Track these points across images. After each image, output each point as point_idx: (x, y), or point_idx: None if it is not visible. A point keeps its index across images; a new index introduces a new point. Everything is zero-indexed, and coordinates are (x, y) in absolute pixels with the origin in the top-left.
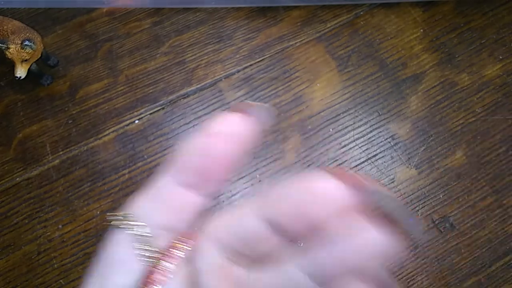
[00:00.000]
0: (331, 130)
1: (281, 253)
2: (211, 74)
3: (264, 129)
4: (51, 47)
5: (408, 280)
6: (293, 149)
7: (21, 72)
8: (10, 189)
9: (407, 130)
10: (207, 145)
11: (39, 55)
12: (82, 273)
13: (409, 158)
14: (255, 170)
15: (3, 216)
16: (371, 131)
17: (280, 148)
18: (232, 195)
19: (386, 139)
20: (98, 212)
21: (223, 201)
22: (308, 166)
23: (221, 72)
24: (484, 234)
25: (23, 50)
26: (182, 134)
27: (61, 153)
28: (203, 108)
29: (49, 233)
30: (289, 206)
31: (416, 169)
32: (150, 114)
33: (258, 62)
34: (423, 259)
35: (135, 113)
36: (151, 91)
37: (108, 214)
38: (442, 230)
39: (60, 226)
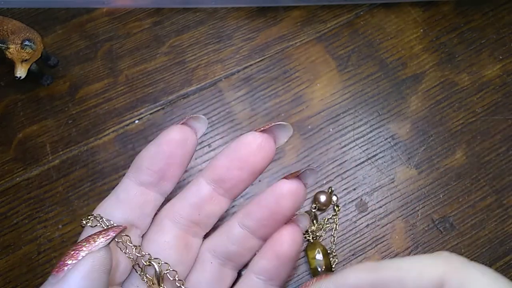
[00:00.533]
0: (331, 130)
1: (222, 208)
2: (211, 74)
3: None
4: (51, 47)
5: None
6: (293, 149)
7: (21, 72)
8: (10, 189)
9: (407, 130)
10: (162, 150)
11: (39, 55)
12: None
13: (409, 158)
14: None
15: (3, 216)
16: (371, 131)
17: (280, 148)
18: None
19: (386, 139)
20: None
21: None
22: (308, 166)
23: (221, 72)
24: (484, 234)
25: (23, 50)
26: None
27: (61, 153)
28: (203, 108)
29: (49, 233)
30: (227, 161)
31: (416, 169)
32: (150, 114)
33: (258, 62)
34: None
35: (135, 113)
36: (151, 91)
37: (81, 218)
38: (442, 230)
39: (60, 226)
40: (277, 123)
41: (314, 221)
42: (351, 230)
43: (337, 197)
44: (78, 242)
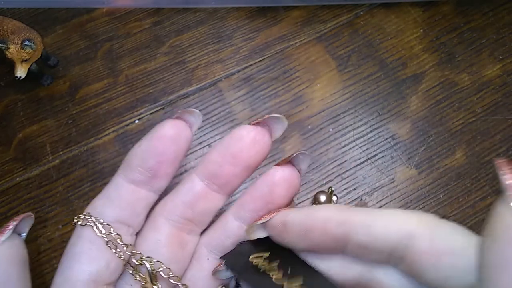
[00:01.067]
0: (331, 130)
1: (217, 205)
2: (211, 74)
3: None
4: (51, 47)
5: None
6: (293, 149)
7: (21, 72)
8: (10, 189)
9: (407, 130)
10: (153, 147)
11: (39, 55)
12: None
13: (409, 158)
14: None
15: (3, 216)
16: (371, 131)
17: (280, 148)
18: (233, 195)
19: (386, 139)
20: None
21: None
22: (308, 166)
23: (221, 72)
24: None
25: (23, 50)
26: None
27: (61, 153)
28: (203, 108)
29: (49, 233)
30: (219, 156)
31: (416, 169)
32: (150, 114)
33: (258, 62)
34: None
35: (135, 113)
36: (151, 91)
37: (73, 217)
38: None
39: (60, 226)
40: (271, 116)
41: None
42: None
43: (337, 197)
44: None
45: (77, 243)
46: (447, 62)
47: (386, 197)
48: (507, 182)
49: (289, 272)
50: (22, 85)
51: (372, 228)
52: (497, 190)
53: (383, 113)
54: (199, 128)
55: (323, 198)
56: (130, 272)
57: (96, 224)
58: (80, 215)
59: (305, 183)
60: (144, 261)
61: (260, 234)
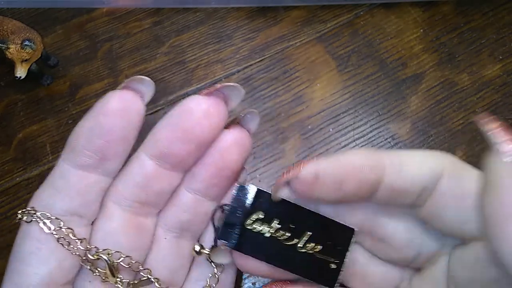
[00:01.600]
0: (331, 130)
1: (173, 184)
2: (211, 74)
3: (146, 103)
4: (51, 47)
5: None
6: (293, 149)
7: (21, 72)
8: (10, 189)
9: (407, 130)
10: (98, 125)
11: (39, 55)
12: None
13: None
14: (255, 170)
15: (3, 216)
16: (371, 131)
17: (280, 148)
18: None
19: (386, 139)
20: None
21: None
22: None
23: (221, 72)
24: None
25: (23, 50)
26: None
27: (61, 153)
28: None
29: None
30: (168, 132)
31: None
32: (150, 114)
33: (258, 62)
34: None
35: None
36: None
37: (16, 212)
38: None
39: None
40: (225, 84)
41: None
42: None
43: None
44: None
45: (24, 243)
46: (447, 62)
47: None
48: (499, 141)
49: (294, 227)
50: (22, 85)
51: (404, 169)
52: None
53: (383, 113)
54: None
55: None
56: (88, 267)
57: (43, 220)
58: (24, 210)
59: None
60: (101, 255)
61: (285, 192)
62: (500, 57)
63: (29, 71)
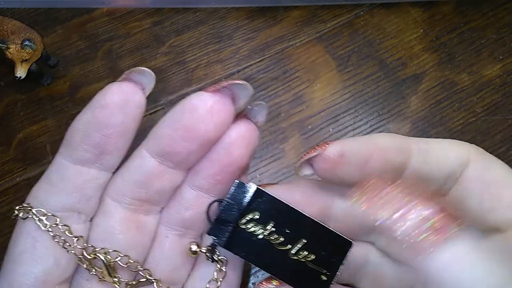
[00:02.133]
0: (331, 130)
1: (175, 182)
2: (211, 74)
3: (147, 94)
4: (51, 47)
5: None
6: (293, 149)
7: (21, 72)
8: (10, 189)
9: (407, 130)
10: (97, 118)
11: (39, 55)
12: None
13: None
14: (255, 170)
15: (3, 216)
16: (371, 131)
17: (280, 148)
18: None
19: None
20: None
21: None
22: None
23: (221, 72)
24: None
25: (23, 50)
26: None
27: None
28: None
29: None
30: (170, 130)
31: None
32: (150, 114)
33: (258, 62)
34: None
35: None
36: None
37: (15, 208)
38: None
39: None
40: (233, 82)
41: None
42: None
43: None
44: None
45: (19, 241)
46: (447, 62)
47: None
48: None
49: (289, 232)
50: (22, 85)
51: (431, 155)
52: None
53: (383, 113)
54: None
55: None
56: (85, 266)
57: (39, 216)
58: (20, 206)
59: None
60: (98, 254)
61: (307, 171)
62: (500, 57)
63: (29, 71)
